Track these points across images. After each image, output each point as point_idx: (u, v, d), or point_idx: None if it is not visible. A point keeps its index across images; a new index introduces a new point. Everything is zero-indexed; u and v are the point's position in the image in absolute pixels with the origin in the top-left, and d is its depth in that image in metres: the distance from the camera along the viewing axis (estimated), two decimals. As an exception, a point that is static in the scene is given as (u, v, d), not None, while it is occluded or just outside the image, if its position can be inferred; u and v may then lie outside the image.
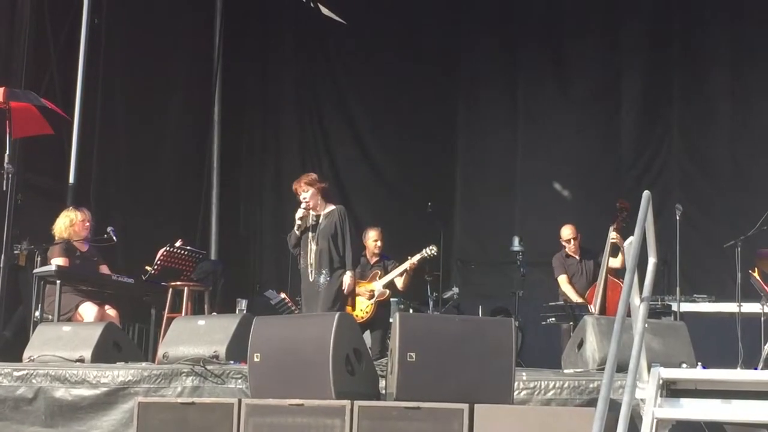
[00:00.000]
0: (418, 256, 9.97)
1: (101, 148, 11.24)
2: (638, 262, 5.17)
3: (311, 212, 8.59)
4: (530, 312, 10.50)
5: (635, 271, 5.16)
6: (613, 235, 9.56)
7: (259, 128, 13.95)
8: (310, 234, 8.54)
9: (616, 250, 9.53)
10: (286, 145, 13.83)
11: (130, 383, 6.85)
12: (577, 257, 10.09)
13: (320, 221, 8.57)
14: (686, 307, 9.79)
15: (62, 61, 10.68)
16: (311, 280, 8.47)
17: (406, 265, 9.93)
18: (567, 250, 10.12)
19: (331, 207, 8.68)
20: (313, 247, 8.49)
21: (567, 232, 10.15)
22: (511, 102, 13.27)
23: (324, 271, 8.45)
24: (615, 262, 9.60)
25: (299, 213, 8.54)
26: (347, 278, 8.53)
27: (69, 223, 8.83)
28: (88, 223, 8.95)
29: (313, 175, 8.79)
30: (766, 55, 11.95)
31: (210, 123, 13.47)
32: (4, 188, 8.57)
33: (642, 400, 5.47)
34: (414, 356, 5.79)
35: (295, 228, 8.58)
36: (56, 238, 8.84)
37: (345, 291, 8.55)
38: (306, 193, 8.55)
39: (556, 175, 12.88)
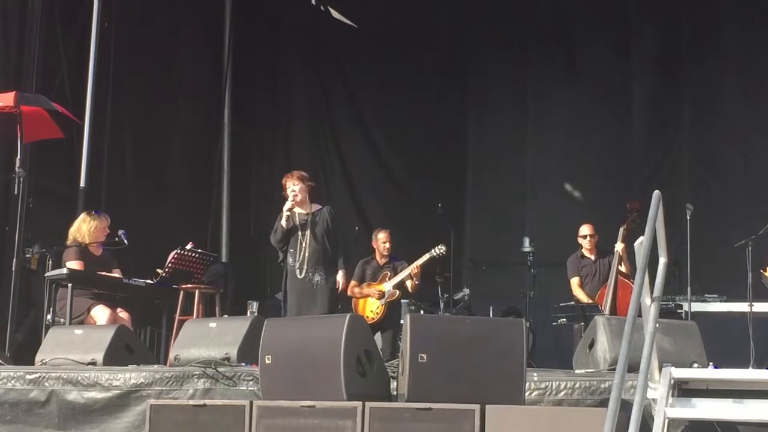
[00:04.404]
0: (426, 256, 9.99)
1: (112, 152, 11.28)
2: (649, 261, 5.16)
3: (297, 209, 8.60)
4: (541, 312, 10.50)
5: (646, 270, 5.15)
6: (618, 247, 9.56)
7: (270, 130, 13.99)
8: (299, 232, 8.56)
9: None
10: (297, 148, 13.86)
11: (142, 386, 6.86)
12: (593, 257, 10.07)
13: (310, 219, 8.59)
14: (697, 306, 9.77)
15: (72, 64, 10.72)
16: (301, 277, 8.48)
17: (414, 266, 9.93)
18: (583, 249, 10.11)
19: (318, 206, 8.73)
20: (305, 245, 8.51)
21: (585, 229, 10.14)
22: (521, 103, 13.27)
23: (320, 269, 8.48)
24: (622, 268, 9.61)
25: (288, 205, 8.54)
26: (340, 277, 8.65)
27: (94, 228, 8.85)
28: (107, 230, 8.99)
29: (305, 173, 8.84)
30: (777, 55, 11.96)
31: (220, 126, 13.49)
32: (16, 192, 8.61)
33: (653, 400, 5.46)
34: (425, 357, 5.79)
35: (282, 221, 8.56)
36: (71, 240, 8.85)
37: (339, 289, 8.70)
38: (296, 186, 8.59)
39: (567, 175, 12.87)
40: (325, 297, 8.45)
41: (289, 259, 8.59)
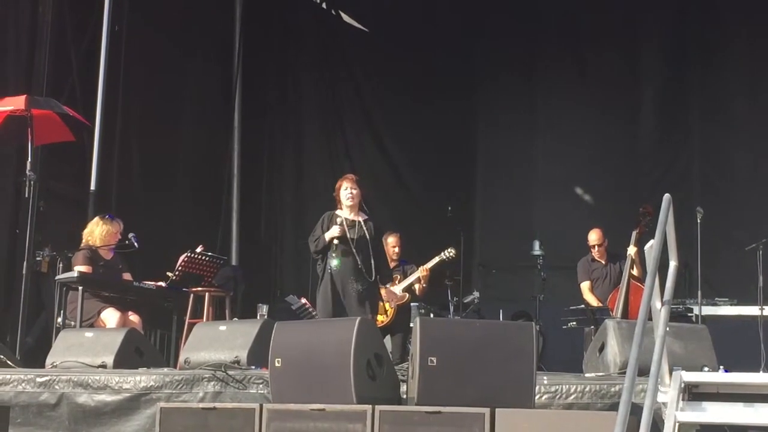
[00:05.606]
0: (436, 260, 9.96)
1: (122, 155, 11.31)
2: (659, 265, 5.15)
3: (345, 214, 8.47)
4: (551, 316, 10.47)
5: (656, 274, 5.14)
6: (631, 250, 9.54)
7: (280, 134, 14.01)
8: (347, 238, 8.29)
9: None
10: (306, 151, 13.88)
11: (152, 389, 6.87)
12: (603, 261, 10.06)
13: (357, 227, 8.38)
14: (708, 310, 9.76)
15: (83, 68, 10.75)
16: (346, 282, 8.24)
17: (423, 269, 9.90)
18: (593, 254, 10.10)
19: (365, 216, 8.52)
20: (353, 251, 8.28)
21: (593, 237, 10.11)
22: (530, 106, 13.26)
23: (361, 278, 8.29)
24: (634, 272, 9.60)
25: (335, 231, 8.21)
26: (383, 292, 8.67)
27: (105, 231, 8.86)
28: (119, 236, 9.00)
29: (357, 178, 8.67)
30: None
31: (230, 129, 13.52)
32: (27, 195, 8.64)
33: (664, 403, 5.45)
34: (435, 361, 5.79)
35: (328, 235, 8.25)
36: (84, 242, 8.86)
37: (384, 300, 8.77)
38: (354, 190, 8.39)
39: (576, 179, 12.86)
40: (368, 304, 8.29)
41: (333, 262, 8.32)
